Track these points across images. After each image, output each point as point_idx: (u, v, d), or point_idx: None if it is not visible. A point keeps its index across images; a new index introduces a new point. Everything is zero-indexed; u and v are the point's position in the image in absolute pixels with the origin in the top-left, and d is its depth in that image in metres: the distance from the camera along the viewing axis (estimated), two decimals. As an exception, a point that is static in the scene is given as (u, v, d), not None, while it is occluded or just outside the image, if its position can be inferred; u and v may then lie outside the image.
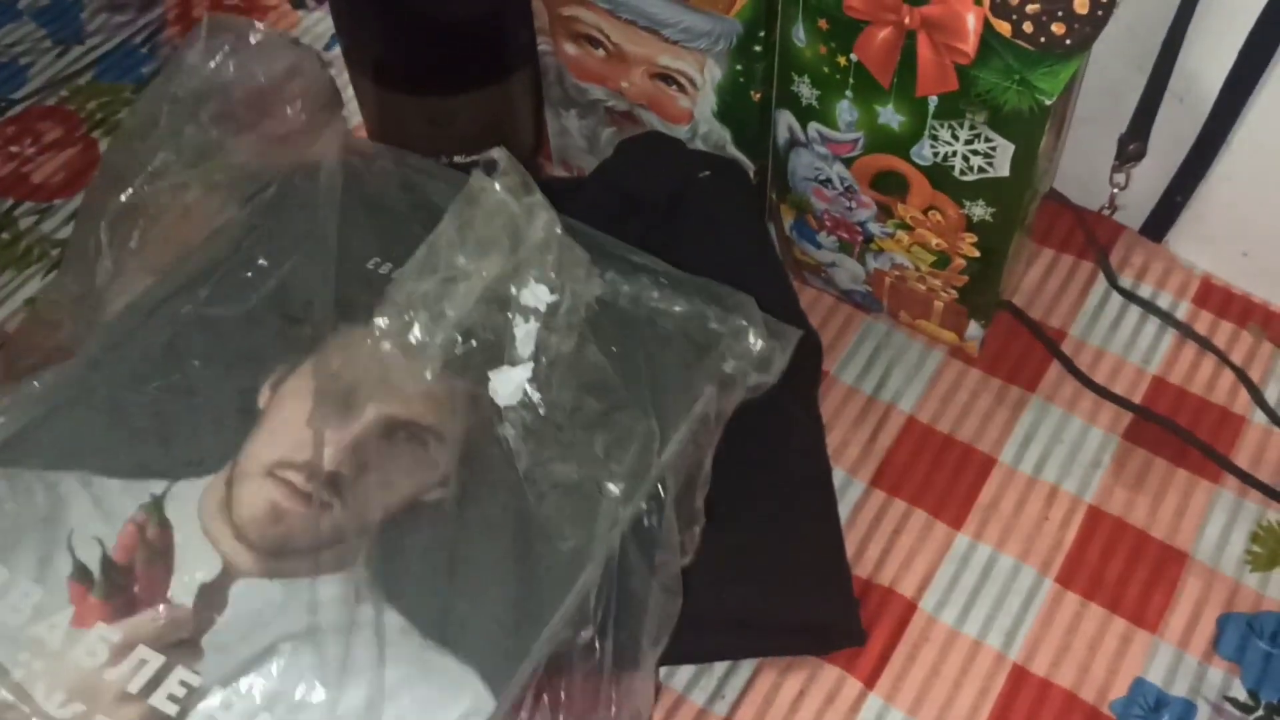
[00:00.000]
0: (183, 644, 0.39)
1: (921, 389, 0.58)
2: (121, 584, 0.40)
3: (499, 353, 0.44)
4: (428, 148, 0.60)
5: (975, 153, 0.48)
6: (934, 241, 0.53)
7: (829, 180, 0.54)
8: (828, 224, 0.56)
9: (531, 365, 0.44)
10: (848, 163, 0.52)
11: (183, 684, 0.38)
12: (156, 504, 0.41)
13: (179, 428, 0.43)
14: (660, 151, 0.58)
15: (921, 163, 0.50)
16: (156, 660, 0.39)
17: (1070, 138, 0.58)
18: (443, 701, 0.39)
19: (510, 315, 0.44)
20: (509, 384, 0.43)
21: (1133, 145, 0.60)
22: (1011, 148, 0.47)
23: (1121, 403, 0.57)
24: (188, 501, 0.41)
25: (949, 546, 0.53)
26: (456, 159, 0.61)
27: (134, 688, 0.38)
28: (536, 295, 0.44)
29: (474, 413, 0.43)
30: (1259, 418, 0.57)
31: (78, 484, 0.42)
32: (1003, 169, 0.48)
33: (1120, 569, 0.52)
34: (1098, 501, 0.54)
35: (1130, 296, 0.59)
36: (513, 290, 0.44)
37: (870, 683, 0.49)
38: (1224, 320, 0.60)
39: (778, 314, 0.58)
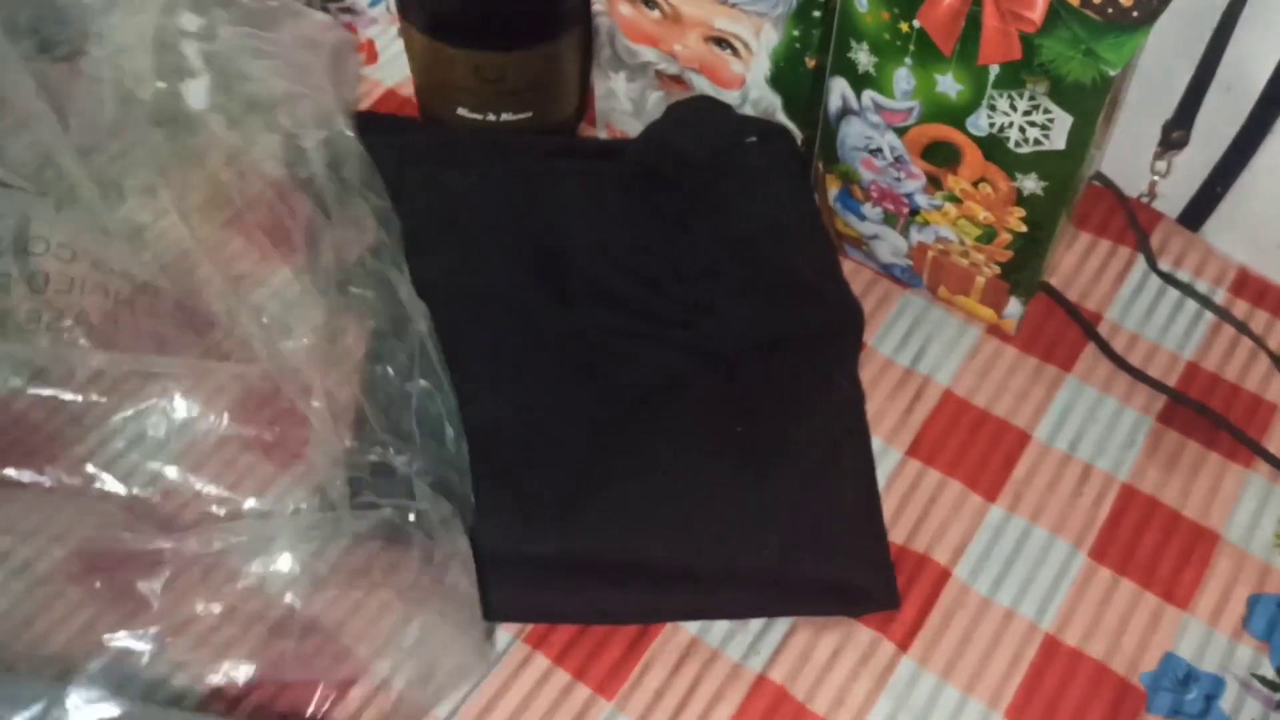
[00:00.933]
0: None
1: (958, 363, 0.58)
2: None
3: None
4: (472, 101, 0.61)
5: (1033, 124, 0.48)
6: (982, 215, 0.54)
7: (879, 150, 0.54)
8: (874, 195, 0.57)
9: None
10: (900, 132, 0.53)
11: None
12: None
13: None
14: (710, 114, 0.58)
15: (976, 133, 0.50)
16: None
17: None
18: None
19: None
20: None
21: (1176, 133, 0.60)
22: (1070, 120, 0.47)
23: (1156, 385, 0.57)
24: None
25: (983, 517, 0.53)
26: (504, 116, 0.61)
27: None
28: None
29: None
30: (1292, 406, 0.57)
31: None
32: (1059, 142, 0.49)
33: (1152, 546, 0.53)
34: (1131, 480, 0.55)
35: (1169, 280, 0.60)
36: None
37: (904, 646, 0.50)
38: (1259, 309, 0.60)
39: (820, 282, 0.58)
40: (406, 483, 0.48)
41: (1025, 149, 0.49)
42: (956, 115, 0.50)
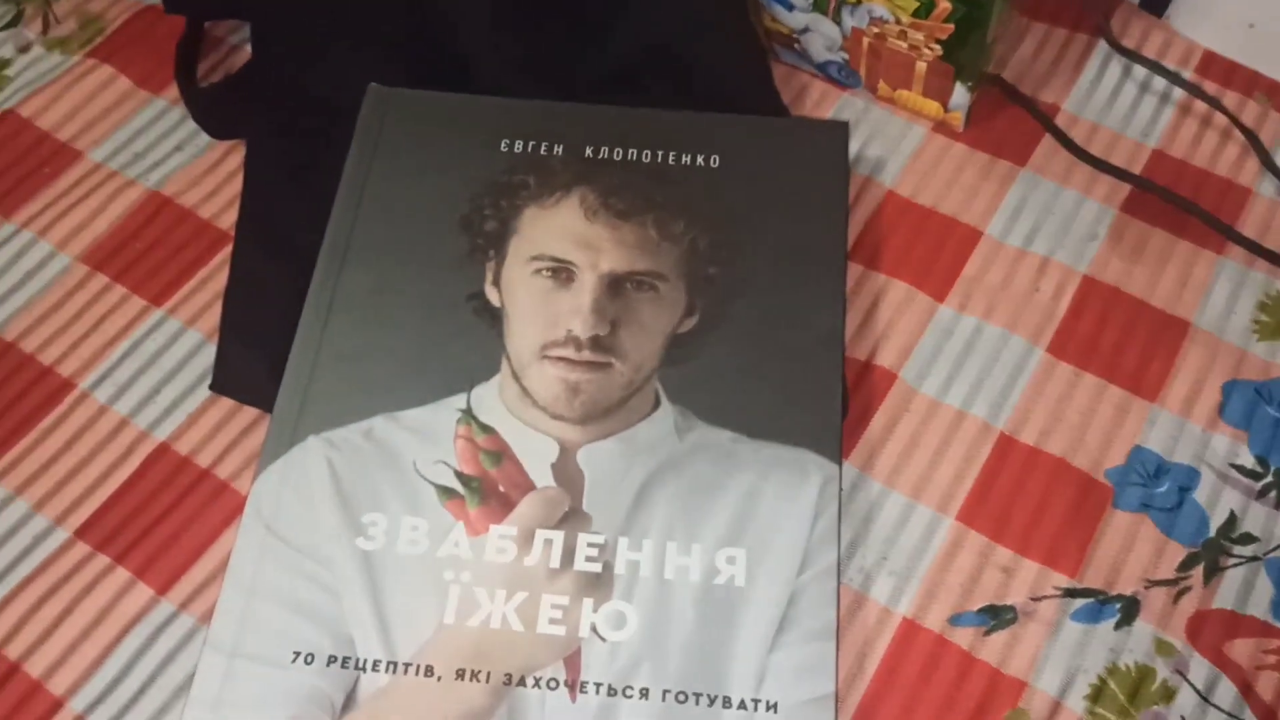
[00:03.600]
0: (569, 515, 0.41)
1: (902, 163, 0.53)
2: (487, 489, 0.42)
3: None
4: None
5: None
6: (916, -17, 0.48)
7: (801, -82, 0.49)
8: (800, -23, 0.51)
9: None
10: (821, -109, 0.47)
11: (591, 545, 0.41)
12: (469, 414, 0.43)
13: (442, 349, 0.45)
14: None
15: (903, -123, 0.45)
16: (557, 536, 0.41)
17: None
18: (799, 484, 0.42)
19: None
20: None
21: (1133, -97, 0.55)
22: None
23: (1119, 174, 0.52)
24: (492, 404, 0.43)
25: (931, 317, 0.49)
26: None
27: (555, 563, 0.41)
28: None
29: (681, 243, 0.47)
30: (1267, 188, 0.52)
31: (389, 423, 0.43)
32: (993, -125, 0.43)
33: (1116, 338, 0.48)
34: (1093, 272, 0.50)
35: (1133, 56, 0.54)
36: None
37: (845, 454, 0.45)
38: (1230, 91, 0.55)
39: (751, 93, 0.53)
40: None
41: (957, -109, 0.44)
42: None
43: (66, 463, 0.45)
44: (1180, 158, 0.53)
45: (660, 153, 0.49)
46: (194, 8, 0.55)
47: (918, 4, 0.49)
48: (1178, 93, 0.55)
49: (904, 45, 0.52)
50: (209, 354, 0.47)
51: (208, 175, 0.52)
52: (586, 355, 0.44)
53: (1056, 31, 0.57)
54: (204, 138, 0.53)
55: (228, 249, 0.50)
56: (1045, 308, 0.49)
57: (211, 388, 0.46)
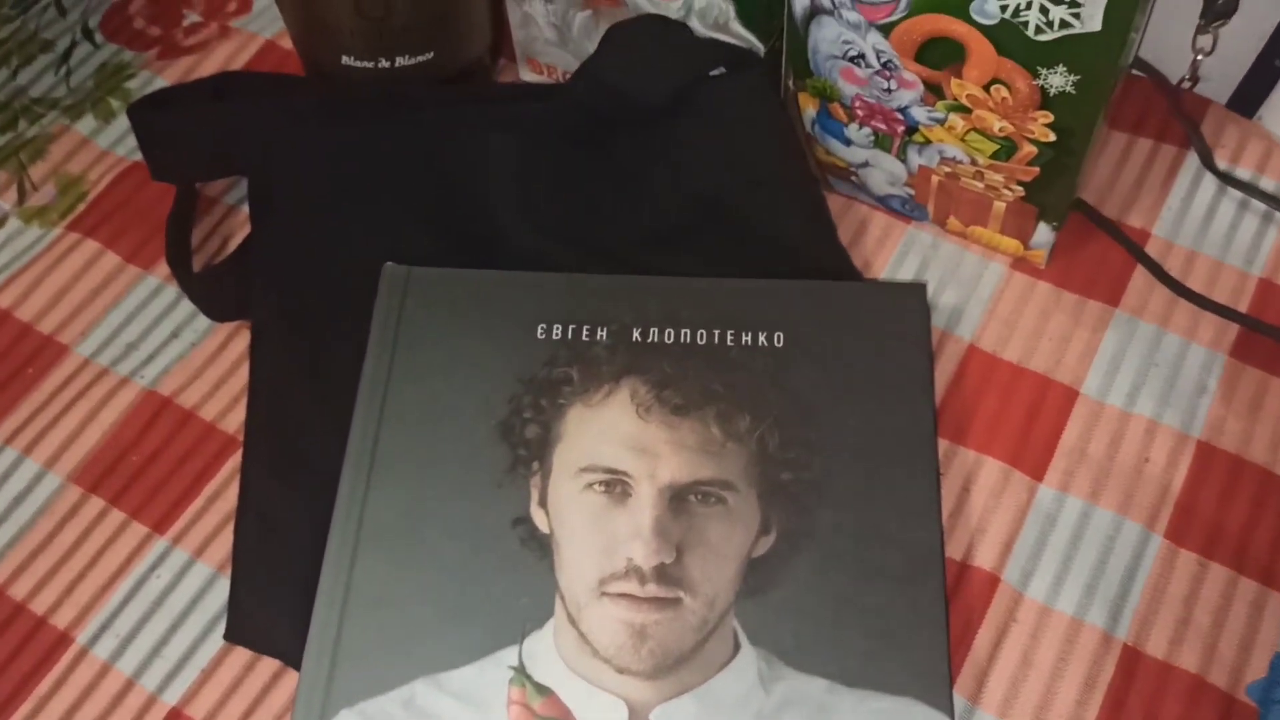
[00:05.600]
0: None
1: (982, 309, 0.47)
2: None
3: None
4: (358, 46, 0.49)
5: (1057, 2, 0.37)
6: (997, 125, 0.43)
7: (861, 56, 0.43)
8: (859, 113, 0.46)
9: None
10: (886, 30, 0.41)
11: None
12: (522, 673, 0.38)
13: (487, 590, 0.39)
14: (662, 40, 0.47)
15: (985, 21, 0.39)
16: None
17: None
18: None
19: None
20: None
21: (1221, 0, 0.49)
22: (1106, -9, 0.36)
23: (1225, 312, 0.46)
24: (547, 656, 0.38)
25: (1031, 502, 0.43)
26: (399, 60, 0.50)
27: None
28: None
29: (748, 443, 0.41)
30: (1394, 322, 0.47)
31: (431, 689, 0.37)
32: (1093, 22, 0.37)
33: (1244, 517, 0.43)
34: (1208, 436, 0.44)
35: (1227, 179, 0.49)
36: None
37: (952, 679, 0.40)
38: (1341, 206, 0.49)
39: (811, 248, 0.47)
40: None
41: (1049, 35, 0.38)
42: (957, 1, 0.39)
43: (68, 741, 0.40)
44: (1291, 287, 0.48)
45: (718, 332, 0.43)
46: (182, 172, 0.49)
47: (997, 146, 0.44)
48: (1283, 211, 0.49)
49: (980, 185, 0.46)
50: (221, 591, 0.42)
51: (209, 367, 0.47)
52: (652, 590, 0.38)
53: (1140, 141, 0.51)
54: (203, 320, 0.48)
55: (236, 457, 0.45)
56: (1158, 482, 0.43)
57: (226, 637, 0.40)
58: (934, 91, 0.43)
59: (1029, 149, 0.43)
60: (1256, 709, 0.39)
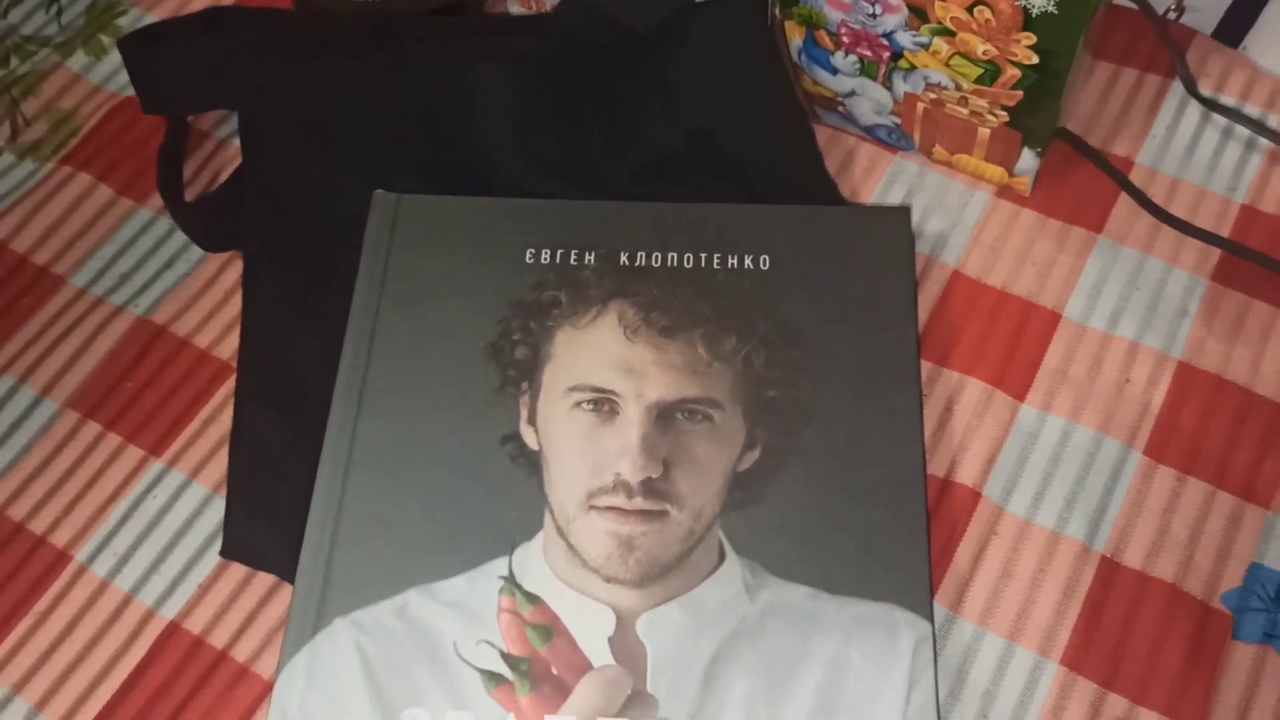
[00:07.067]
0: (633, 699, 0.37)
1: (967, 236, 0.48)
2: (538, 672, 0.37)
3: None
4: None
5: (1038, -83, 0.37)
6: (980, 49, 0.43)
7: (846, -20, 0.43)
8: (845, 40, 0.46)
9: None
10: (870, -47, 0.42)
11: None
12: (512, 582, 0.38)
13: (477, 505, 0.40)
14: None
15: (967, -60, 0.39)
16: None
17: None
18: (889, 648, 0.37)
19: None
20: None
21: (1206, -73, 0.49)
22: (1086, -95, 0.36)
23: (1206, 237, 0.47)
24: (537, 567, 0.39)
25: (1013, 420, 0.44)
26: (388, -7, 0.50)
27: None
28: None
29: (734, 363, 0.42)
30: (1374, 245, 0.47)
31: (424, 598, 0.38)
32: (1073, -63, 0.38)
33: (1222, 435, 0.43)
34: (1188, 357, 0.45)
35: (1213, 105, 0.49)
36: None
37: (932, 591, 0.40)
38: (1323, 133, 0.50)
39: (802, 176, 0.48)
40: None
41: (1031, -47, 0.39)
42: (939, -81, 0.39)
43: (67, 652, 0.40)
44: (1273, 213, 0.48)
45: (704, 255, 0.44)
46: (174, 105, 0.50)
47: (981, 70, 0.44)
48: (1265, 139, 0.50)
49: (964, 112, 0.46)
50: (217, 511, 0.43)
51: (203, 296, 0.47)
52: (639, 503, 0.39)
53: (1125, 72, 0.52)
54: (196, 251, 0.48)
55: (229, 383, 0.45)
56: (1139, 402, 0.44)
57: (222, 554, 0.41)
58: (918, 15, 0.43)
59: (1012, 72, 0.43)
60: (1231, 616, 0.40)
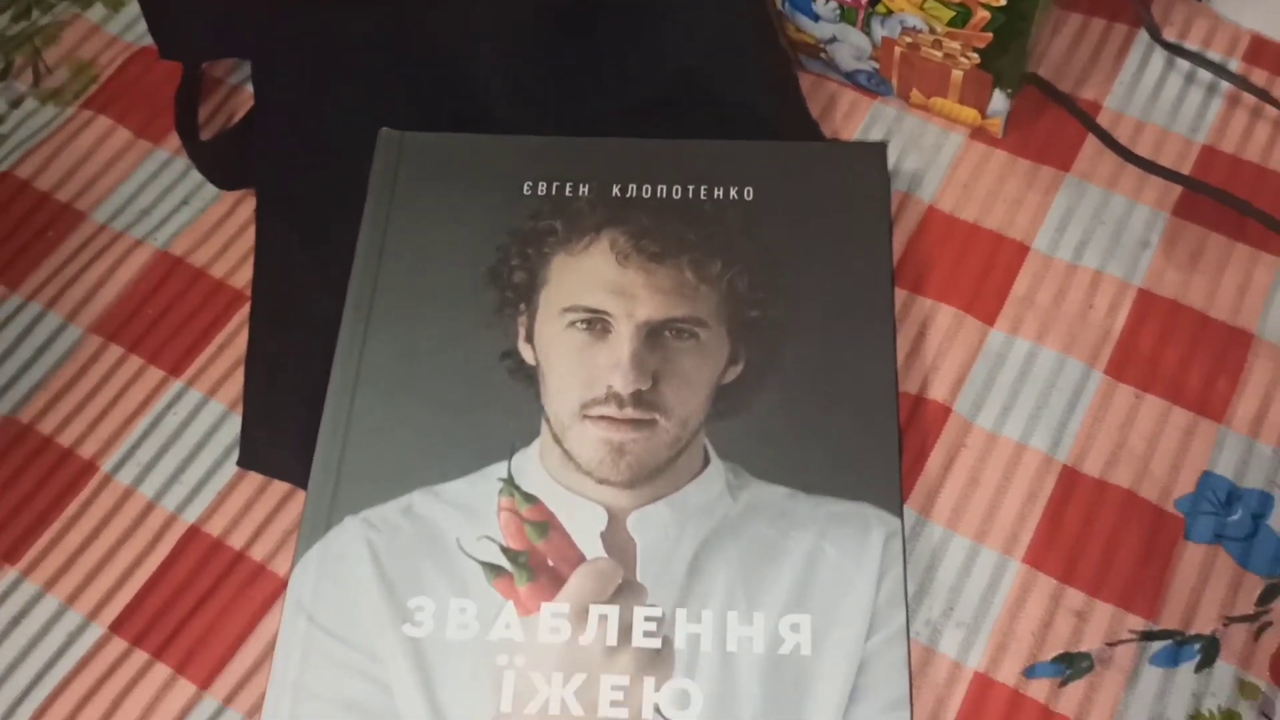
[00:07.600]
0: (623, 588, 0.40)
1: (941, 175, 0.51)
2: (535, 564, 0.40)
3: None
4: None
5: None
6: (952, -9, 0.46)
7: (826, -72, 0.46)
8: (826, -13, 0.49)
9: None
10: (847, -100, 0.44)
11: (648, 619, 0.39)
12: (511, 484, 0.41)
13: (478, 415, 0.42)
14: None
15: (936, -115, 0.42)
16: (612, 611, 0.39)
17: None
18: (861, 541, 0.40)
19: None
20: None
21: (1171, -118, 0.52)
22: None
23: (1168, 175, 0.50)
24: (534, 471, 0.41)
25: (982, 343, 0.47)
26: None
27: (612, 641, 0.39)
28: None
29: (719, 286, 0.45)
30: (1325, 182, 0.50)
31: (428, 498, 0.41)
32: (1035, -120, 0.40)
33: (1178, 356, 0.46)
34: (1148, 285, 0.48)
35: (1177, 50, 0.52)
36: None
37: (903, 496, 0.43)
38: (1280, 78, 0.52)
39: (784, 114, 0.51)
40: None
41: (996, -103, 0.41)
42: None
43: (94, 553, 0.43)
44: (1231, 153, 0.51)
45: (691, 187, 0.47)
46: (190, 52, 0.52)
47: (953, 13, 0.47)
48: (1226, 83, 0.52)
49: (939, 55, 0.49)
50: (234, 425, 0.45)
51: (218, 230, 0.50)
52: (629, 413, 0.42)
53: (1094, 22, 0.54)
54: (211, 189, 0.51)
55: (245, 310, 0.48)
56: (1101, 326, 0.47)
57: (239, 464, 0.44)
58: (893, -40, 0.46)
59: (982, 14, 0.46)
60: (1183, 519, 0.43)
